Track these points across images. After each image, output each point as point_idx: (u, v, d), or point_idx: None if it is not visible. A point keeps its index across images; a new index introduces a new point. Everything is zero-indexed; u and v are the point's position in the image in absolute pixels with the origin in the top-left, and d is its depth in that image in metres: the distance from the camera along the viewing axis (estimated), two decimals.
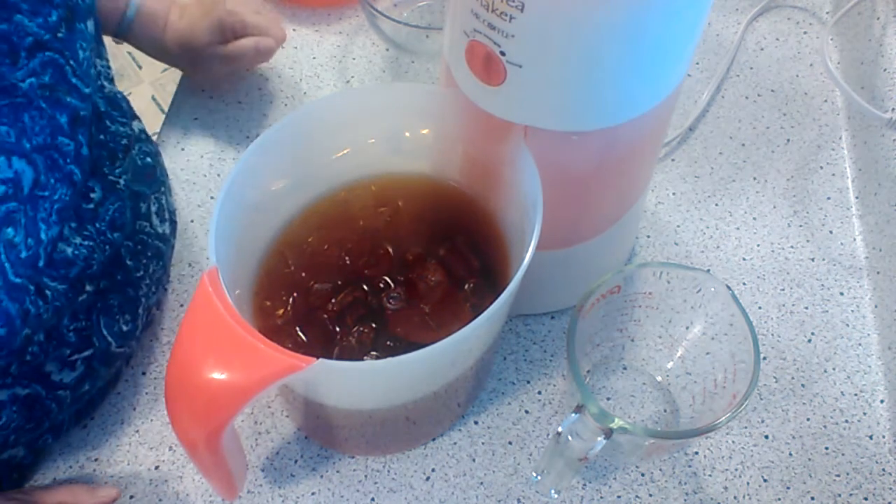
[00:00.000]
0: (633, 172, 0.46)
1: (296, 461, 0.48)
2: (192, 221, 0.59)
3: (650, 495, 0.47)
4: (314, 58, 0.68)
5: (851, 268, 0.57)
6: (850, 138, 0.64)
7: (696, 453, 0.49)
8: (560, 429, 0.39)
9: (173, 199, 0.56)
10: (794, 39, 0.70)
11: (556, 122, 0.37)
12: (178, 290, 0.56)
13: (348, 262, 0.46)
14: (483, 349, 0.43)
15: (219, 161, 0.62)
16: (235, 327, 0.34)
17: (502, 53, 0.34)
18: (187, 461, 0.48)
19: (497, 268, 0.45)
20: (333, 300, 0.44)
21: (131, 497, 0.47)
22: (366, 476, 0.48)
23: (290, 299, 0.44)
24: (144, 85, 1.48)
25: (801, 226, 0.59)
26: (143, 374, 0.52)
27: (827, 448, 0.49)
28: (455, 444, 0.49)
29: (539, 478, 0.44)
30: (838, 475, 0.48)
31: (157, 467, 0.48)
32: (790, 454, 0.49)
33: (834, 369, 0.52)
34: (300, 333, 0.43)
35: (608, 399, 0.51)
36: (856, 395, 0.51)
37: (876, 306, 0.55)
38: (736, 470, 0.48)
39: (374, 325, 0.44)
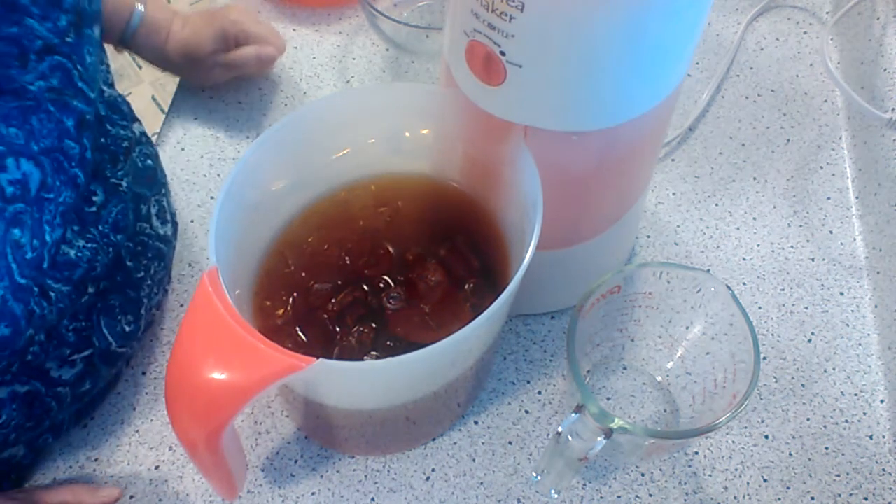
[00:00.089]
0: (633, 172, 0.46)
1: (296, 461, 0.48)
2: (192, 221, 0.59)
3: (650, 495, 0.47)
4: (314, 58, 0.68)
5: (851, 268, 0.57)
6: (850, 138, 0.64)
7: (696, 453, 0.49)
8: (560, 429, 0.39)
9: (173, 199, 0.56)
10: (794, 39, 0.71)
11: (556, 122, 0.37)
12: (178, 290, 0.56)
13: (348, 262, 0.46)
14: (483, 349, 0.43)
15: (219, 161, 0.62)
16: (235, 327, 0.34)
17: (502, 53, 0.34)
18: (187, 461, 0.48)
19: (497, 268, 0.45)
20: (333, 300, 0.44)
21: (131, 497, 0.47)
22: (366, 476, 0.48)
23: (290, 299, 0.44)
24: (144, 85, 1.48)
25: (801, 226, 0.59)
26: (143, 374, 0.52)
27: (827, 448, 0.49)
28: (455, 444, 0.49)
29: (539, 478, 0.44)
30: (838, 475, 0.48)
31: (157, 467, 0.48)
32: (790, 454, 0.49)
33: (834, 369, 0.52)
34: (300, 333, 0.43)
35: (608, 399, 0.51)
36: (856, 395, 0.51)
37: (876, 306, 0.55)
38: (736, 470, 0.48)
39: (374, 325, 0.44)
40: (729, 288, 0.42)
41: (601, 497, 0.47)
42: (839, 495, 0.48)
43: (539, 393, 0.51)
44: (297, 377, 0.33)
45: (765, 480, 0.48)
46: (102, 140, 0.43)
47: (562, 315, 0.54)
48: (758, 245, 0.58)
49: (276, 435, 0.49)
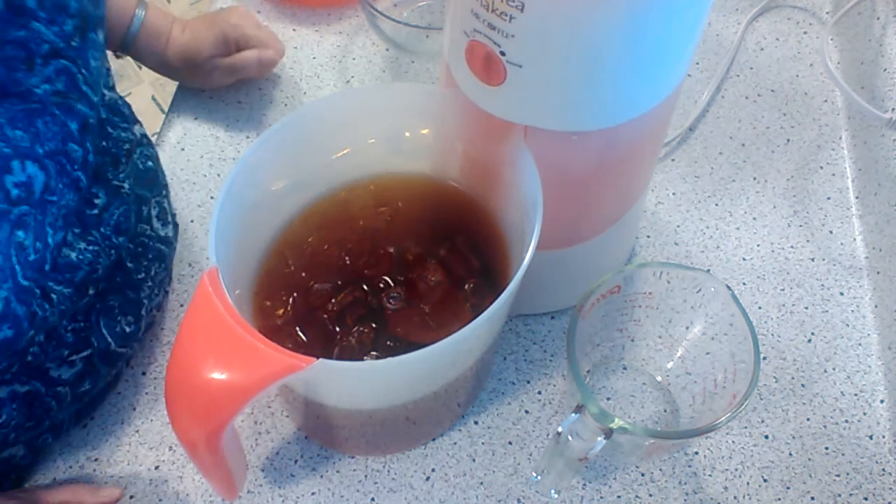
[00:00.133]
0: (633, 172, 0.46)
1: (296, 461, 0.48)
2: (192, 221, 0.59)
3: (650, 495, 0.47)
4: (314, 58, 0.68)
5: (851, 268, 0.57)
6: (850, 138, 0.64)
7: (696, 453, 0.49)
8: (560, 429, 0.39)
9: (173, 200, 0.56)
10: (794, 39, 0.71)
11: (556, 122, 0.37)
12: (178, 290, 0.56)
13: (348, 262, 0.46)
14: (483, 349, 0.43)
15: (219, 161, 0.62)
16: (235, 327, 0.34)
17: (502, 53, 0.34)
18: (187, 461, 0.48)
19: (497, 268, 0.45)
20: (333, 300, 0.44)
21: (131, 497, 0.47)
22: (366, 476, 0.48)
23: (290, 299, 0.44)
24: (144, 85, 1.48)
25: (801, 226, 0.59)
26: (143, 374, 0.52)
27: (827, 448, 0.49)
28: (455, 444, 0.49)
29: (539, 478, 0.44)
30: (838, 475, 0.48)
31: (157, 467, 0.48)
32: (790, 454, 0.49)
33: (834, 369, 0.52)
34: (300, 333, 0.43)
35: (608, 399, 0.51)
36: (856, 395, 0.51)
37: (876, 306, 0.55)
38: (736, 470, 0.48)
39: (374, 325, 0.44)
40: (729, 288, 0.42)
41: (601, 497, 0.47)
42: (839, 495, 0.48)
43: (539, 393, 0.51)
44: (297, 377, 0.33)
45: (765, 480, 0.48)
46: (104, 143, 0.43)
47: (562, 315, 0.54)
48: (758, 245, 0.58)
49: (276, 435, 0.49)
